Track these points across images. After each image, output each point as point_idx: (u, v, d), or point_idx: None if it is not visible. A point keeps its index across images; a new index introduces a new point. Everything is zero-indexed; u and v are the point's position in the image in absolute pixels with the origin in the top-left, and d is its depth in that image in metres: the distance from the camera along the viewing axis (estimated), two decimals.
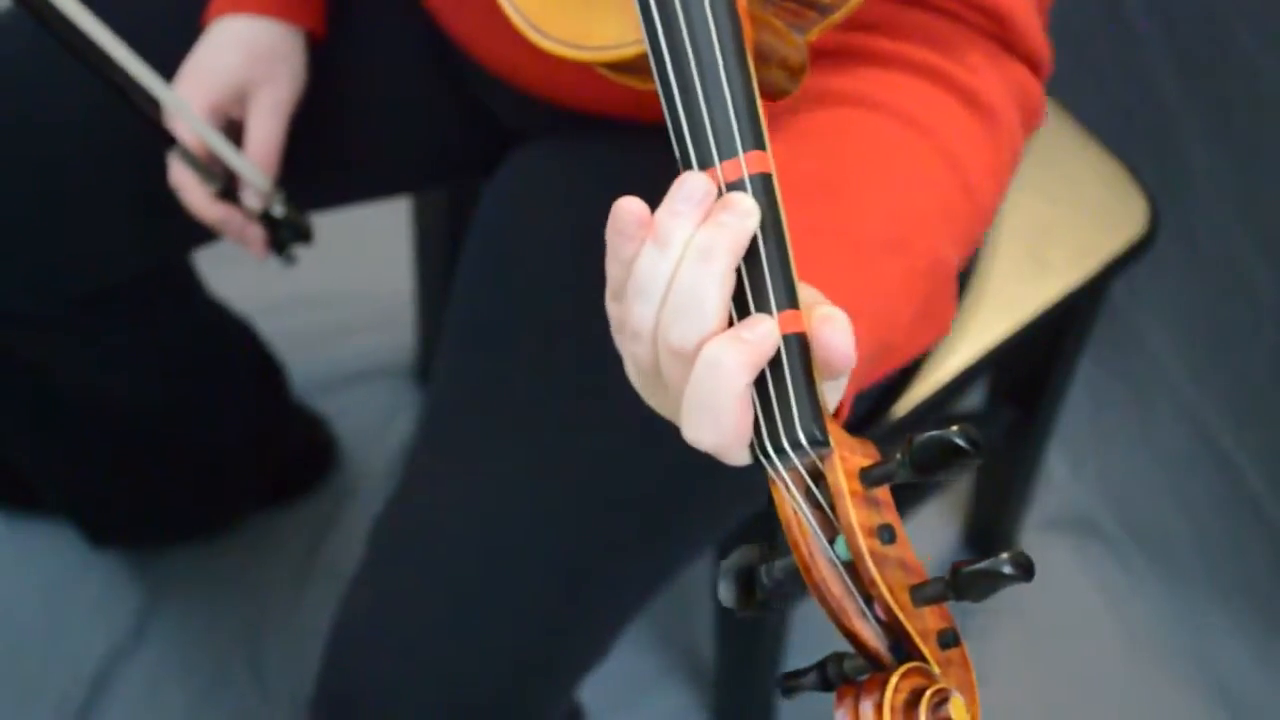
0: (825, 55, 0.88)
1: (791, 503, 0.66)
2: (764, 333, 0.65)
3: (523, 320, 1.09)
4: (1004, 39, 0.88)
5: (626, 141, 1.10)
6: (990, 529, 1.70)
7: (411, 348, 1.84)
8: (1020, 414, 1.51)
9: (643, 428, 1.01)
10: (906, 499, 1.50)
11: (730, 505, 1.13)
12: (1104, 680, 1.66)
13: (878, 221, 0.81)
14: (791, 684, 0.66)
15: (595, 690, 1.34)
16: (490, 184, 1.19)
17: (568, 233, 1.11)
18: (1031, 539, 1.73)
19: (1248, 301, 1.82)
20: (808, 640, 1.57)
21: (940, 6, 0.87)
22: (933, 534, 1.73)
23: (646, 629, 1.64)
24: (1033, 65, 0.91)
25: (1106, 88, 1.90)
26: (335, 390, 1.81)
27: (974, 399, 1.61)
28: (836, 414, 0.72)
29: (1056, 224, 1.33)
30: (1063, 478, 1.78)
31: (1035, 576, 1.78)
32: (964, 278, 1.29)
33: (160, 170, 1.14)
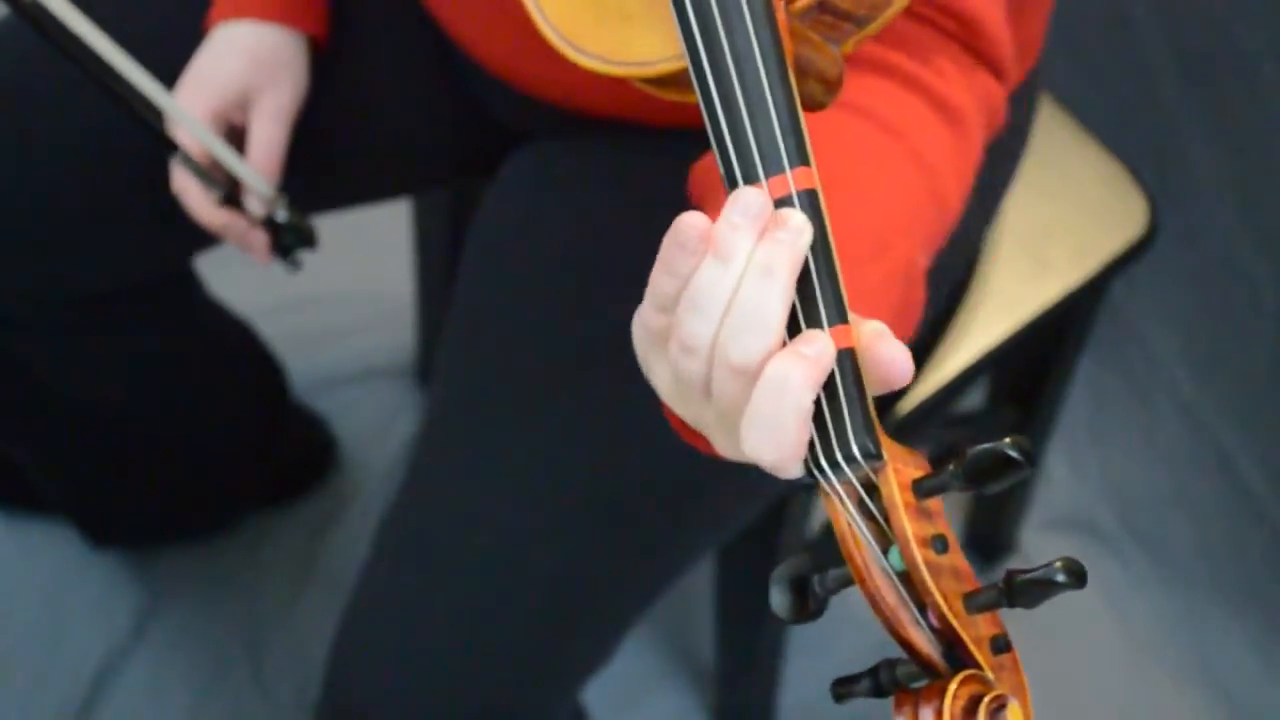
0: None
1: (846, 515, 0.66)
2: (822, 348, 0.65)
3: (524, 321, 1.09)
4: (973, 45, 0.89)
5: (628, 143, 1.10)
6: (991, 529, 1.70)
7: (411, 348, 1.84)
8: (1020, 414, 1.51)
9: (646, 428, 1.01)
10: None
11: (734, 509, 1.13)
12: (1104, 680, 1.66)
13: (861, 226, 0.81)
14: (843, 690, 0.67)
15: (596, 691, 1.34)
16: (491, 185, 1.19)
17: (569, 233, 1.11)
18: (1031, 539, 1.73)
19: (1248, 302, 1.82)
20: (808, 641, 1.57)
21: (915, 12, 0.87)
22: None
23: (647, 630, 1.64)
24: (997, 72, 0.91)
25: (1106, 88, 1.90)
26: (335, 390, 1.81)
27: (974, 399, 1.61)
28: None
29: (1056, 224, 1.33)
30: (1063, 478, 1.78)
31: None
32: (964, 278, 1.29)
33: (163, 177, 1.14)
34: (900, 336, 0.86)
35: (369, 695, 1.05)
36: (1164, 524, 1.75)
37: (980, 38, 0.88)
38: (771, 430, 0.65)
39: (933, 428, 1.44)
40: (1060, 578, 0.62)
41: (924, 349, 1.26)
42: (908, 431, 1.27)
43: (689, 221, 0.66)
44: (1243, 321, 1.82)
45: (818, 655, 1.59)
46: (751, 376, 0.65)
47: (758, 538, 1.27)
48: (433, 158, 1.27)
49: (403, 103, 1.22)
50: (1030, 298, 1.29)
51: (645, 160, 1.08)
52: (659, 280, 0.67)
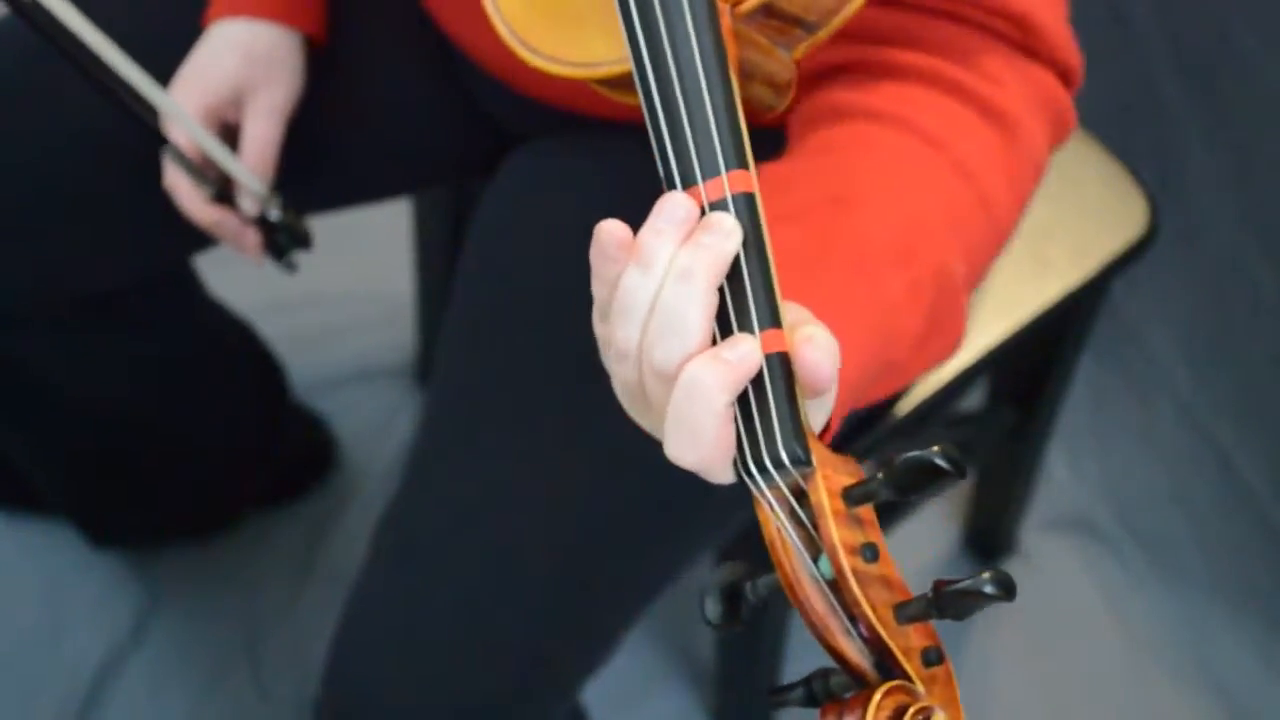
0: (845, 69, 0.88)
1: (775, 521, 0.66)
2: (745, 352, 0.65)
3: (523, 320, 1.09)
4: (1030, 47, 0.88)
5: (626, 142, 1.10)
6: (990, 529, 1.70)
7: (411, 348, 1.84)
8: (1020, 414, 1.51)
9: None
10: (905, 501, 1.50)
11: (733, 506, 1.13)
12: (1104, 680, 1.66)
13: (883, 236, 0.81)
14: (778, 699, 0.67)
15: (596, 691, 1.34)
16: (490, 184, 1.19)
17: (568, 233, 1.11)
18: (1031, 539, 1.73)
19: (1248, 301, 1.82)
20: (808, 642, 1.57)
21: (964, 16, 0.86)
22: (933, 534, 1.73)
23: (647, 629, 1.64)
24: (1061, 74, 0.90)
25: (1106, 88, 1.90)
26: (335, 390, 1.81)
27: (974, 399, 1.61)
28: (824, 432, 0.72)
29: (1056, 224, 1.33)
30: (1063, 478, 1.78)
31: (1034, 577, 1.79)
32: None
33: (160, 175, 1.14)
34: (941, 348, 0.86)
35: (367, 694, 1.05)
36: (1164, 524, 1.75)
37: (1036, 37, 0.88)
38: (689, 433, 0.65)
39: (933, 428, 1.44)
40: (989, 589, 0.61)
41: None
42: (907, 431, 1.27)
43: (607, 230, 0.67)
44: (1243, 321, 1.82)
45: (818, 656, 1.59)
46: (672, 379, 0.65)
47: (758, 536, 1.26)
48: (432, 158, 1.27)
49: (402, 103, 1.22)
50: (1030, 298, 1.29)
51: (644, 160, 1.07)
52: (595, 289, 0.68)
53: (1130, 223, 1.34)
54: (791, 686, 0.67)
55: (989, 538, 1.71)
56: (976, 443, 1.53)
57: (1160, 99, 1.88)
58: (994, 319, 1.28)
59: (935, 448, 0.62)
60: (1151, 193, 1.36)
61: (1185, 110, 1.87)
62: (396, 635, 1.05)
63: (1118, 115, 1.86)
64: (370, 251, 1.84)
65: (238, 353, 1.56)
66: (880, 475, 0.64)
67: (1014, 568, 1.72)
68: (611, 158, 1.11)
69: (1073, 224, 1.33)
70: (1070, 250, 1.32)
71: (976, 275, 0.87)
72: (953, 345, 0.87)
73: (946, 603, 0.62)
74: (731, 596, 0.68)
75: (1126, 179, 1.36)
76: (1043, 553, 1.73)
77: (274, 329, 1.66)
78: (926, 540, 1.73)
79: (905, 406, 1.24)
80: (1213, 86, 1.86)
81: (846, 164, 0.83)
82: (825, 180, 0.82)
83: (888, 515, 1.48)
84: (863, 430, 1.23)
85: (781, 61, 0.74)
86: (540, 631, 1.04)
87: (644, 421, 0.71)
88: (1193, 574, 1.72)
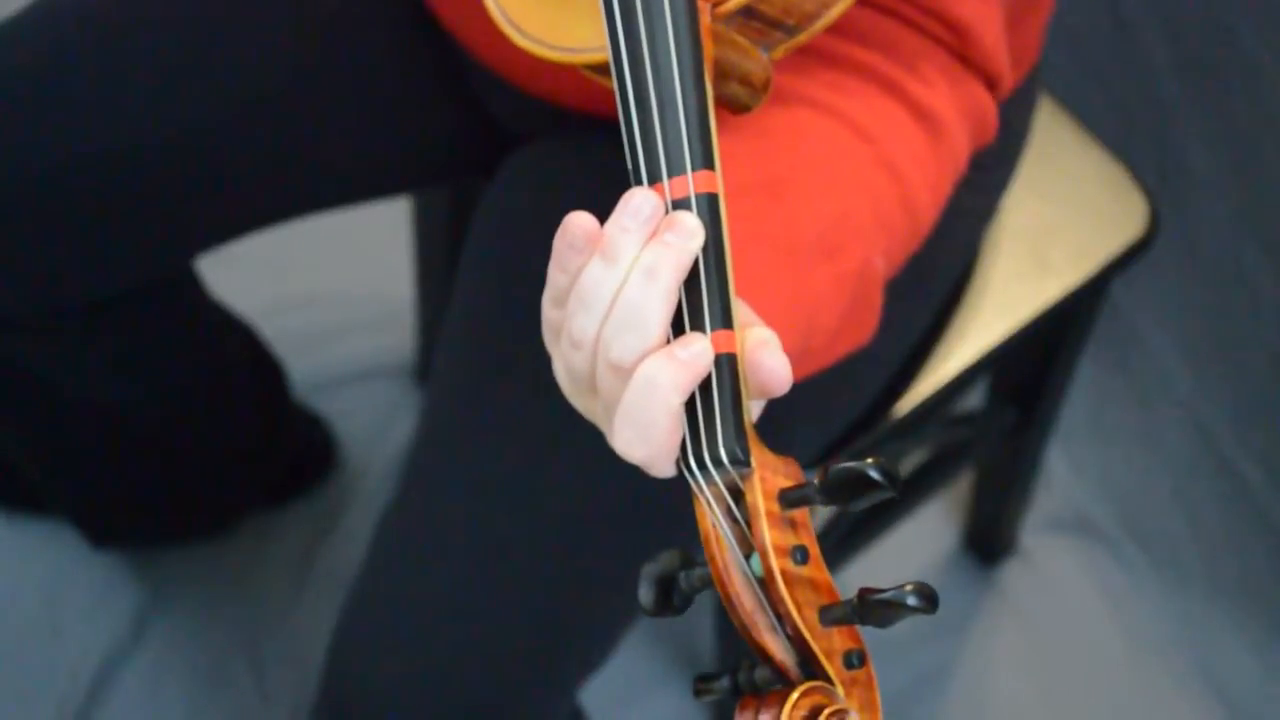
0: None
1: (711, 517, 0.67)
2: (698, 351, 0.66)
3: (524, 321, 1.09)
4: (964, 54, 0.89)
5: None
6: (990, 529, 1.70)
7: (411, 348, 1.84)
8: (1020, 414, 1.51)
9: None
10: (905, 498, 1.50)
11: None
12: (1104, 680, 1.66)
13: (814, 227, 0.81)
14: (703, 688, 0.68)
15: (595, 690, 1.34)
16: (491, 184, 1.19)
17: None
18: (1031, 539, 1.73)
19: (1248, 301, 1.82)
20: None
21: (905, 16, 0.87)
22: (933, 534, 1.73)
23: (647, 630, 1.64)
24: (990, 83, 0.91)
25: (1106, 88, 1.90)
26: (335, 390, 1.81)
27: (974, 399, 1.61)
28: None
29: (1056, 224, 1.33)
30: (1063, 478, 1.78)
31: (1034, 577, 1.79)
32: (964, 278, 1.29)
33: (165, 178, 1.14)
34: (854, 339, 0.87)
35: (366, 694, 1.05)
36: (1164, 524, 1.75)
37: (972, 47, 0.88)
38: (640, 428, 0.66)
39: (933, 427, 1.44)
40: (911, 600, 0.63)
41: (924, 349, 1.26)
42: (908, 431, 1.27)
43: (576, 221, 0.68)
44: (1243, 321, 1.82)
45: None
46: (628, 374, 0.66)
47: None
48: (432, 157, 1.27)
49: (402, 101, 1.22)
50: (1030, 298, 1.29)
51: None
52: (553, 275, 0.69)
53: (1130, 223, 1.34)
54: (718, 675, 0.68)
55: (989, 538, 1.71)
56: (976, 443, 1.53)
57: (1160, 99, 1.88)
58: (994, 319, 1.28)
59: (870, 460, 0.63)
60: (1151, 193, 1.36)
61: (1185, 110, 1.87)
62: (396, 635, 1.05)
63: (1118, 115, 1.86)
64: (370, 251, 1.84)
65: (238, 354, 1.56)
66: (816, 481, 0.65)
67: (1014, 568, 1.72)
68: (611, 159, 1.11)
69: (1073, 224, 1.33)
70: (1070, 250, 1.32)
71: (892, 271, 0.88)
72: (866, 337, 0.88)
73: (869, 610, 0.64)
74: (665, 585, 0.69)
75: (1126, 179, 1.36)
76: (1043, 553, 1.73)
77: (274, 329, 1.66)
78: (927, 540, 1.73)
79: (905, 406, 1.24)
80: (1213, 86, 1.86)
81: (782, 150, 0.84)
82: (760, 165, 0.83)
83: (887, 515, 1.48)
84: (863, 429, 1.23)
85: (759, 62, 0.75)
86: (539, 631, 1.05)
87: (582, 406, 0.72)
88: (1193, 574, 1.72)
